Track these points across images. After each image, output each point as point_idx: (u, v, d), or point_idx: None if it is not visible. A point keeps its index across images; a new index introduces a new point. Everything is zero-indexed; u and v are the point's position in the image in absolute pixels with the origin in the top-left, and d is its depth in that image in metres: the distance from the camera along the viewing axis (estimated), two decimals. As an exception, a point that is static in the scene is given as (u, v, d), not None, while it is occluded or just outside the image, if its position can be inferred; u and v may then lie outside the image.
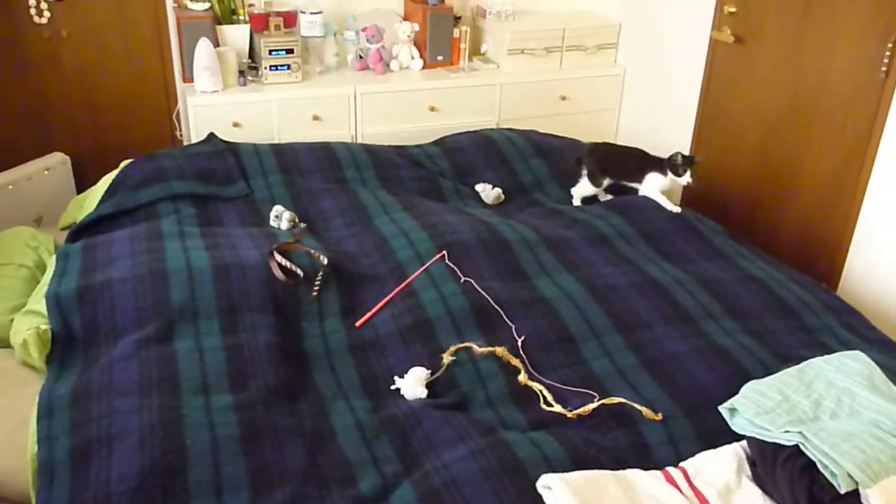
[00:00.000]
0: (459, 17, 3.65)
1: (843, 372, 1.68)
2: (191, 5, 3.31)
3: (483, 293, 2.08)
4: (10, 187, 3.18)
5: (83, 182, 3.35)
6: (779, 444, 1.54)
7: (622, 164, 2.74)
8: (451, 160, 2.97)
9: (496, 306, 2.05)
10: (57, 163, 3.37)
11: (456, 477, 1.52)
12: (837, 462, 1.43)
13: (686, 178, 2.61)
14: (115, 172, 2.69)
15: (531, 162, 2.96)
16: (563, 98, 3.66)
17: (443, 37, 3.57)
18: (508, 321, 2.01)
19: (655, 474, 1.55)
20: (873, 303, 2.59)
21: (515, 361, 1.89)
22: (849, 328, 2.07)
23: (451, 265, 2.19)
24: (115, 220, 2.49)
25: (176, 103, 3.56)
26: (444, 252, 2.23)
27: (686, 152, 3.08)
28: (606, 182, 2.74)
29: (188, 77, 3.29)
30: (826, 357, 1.76)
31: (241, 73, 3.30)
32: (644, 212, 2.57)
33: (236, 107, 3.22)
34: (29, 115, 3.39)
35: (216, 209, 2.55)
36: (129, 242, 2.22)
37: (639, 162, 2.71)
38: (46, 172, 3.31)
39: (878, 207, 2.55)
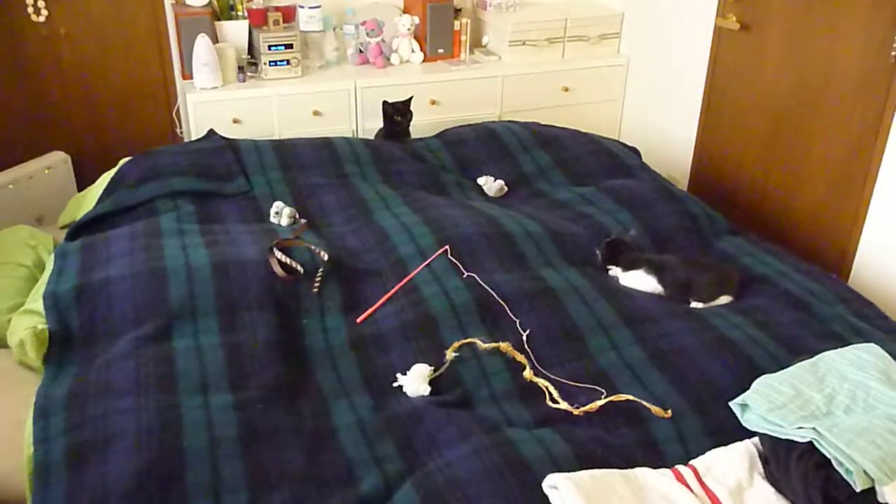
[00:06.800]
0: (460, 10, 3.61)
1: (856, 365, 1.64)
2: (189, 1, 3.28)
3: (487, 288, 2.04)
4: (11, 186, 3.15)
5: (84, 181, 3.33)
6: (792, 441, 1.50)
7: None
8: (452, 153, 2.93)
9: (500, 301, 2.01)
10: (57, 161, 3.34)
11: (459, 476, 1.48)
12: (853, 459, 1.39)
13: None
14: (114, 170, 2.66)
15: (534, 153, 2.91)
16: (566, 89, 3.62)
17: (443, 29, 3.53)
18: (513, 316, 1.97)
19: (665, 473, 1.51)
20: (886, 292, 2.54)
21: (520, 357, 1.85)
22: (861, 317, 2.03)
23: (454, 260, 2.15)
24: (115, 218, 2.46)
25: (176, 100, 3.53)
26: (447, 247, 2.19)
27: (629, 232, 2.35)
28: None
29: (187, 74, 3.26)
30: (839, 350, 1.71)
31: (241, 69, 3.27)
32: (653, 207, 2.52)
33: (236, 103, 3.19)
34: (29, 114, 3.36)
35: (216, 206, 2.52)
36: (128, 240, 2.19)
37: None
38: (47, 171, 3.28)
39: (888, 195, 2.50)
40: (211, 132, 2.94)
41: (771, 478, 1.52)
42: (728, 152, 3.16)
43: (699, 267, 2.19)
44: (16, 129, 3.36)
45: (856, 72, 2.56)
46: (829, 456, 1.43)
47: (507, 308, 1.99)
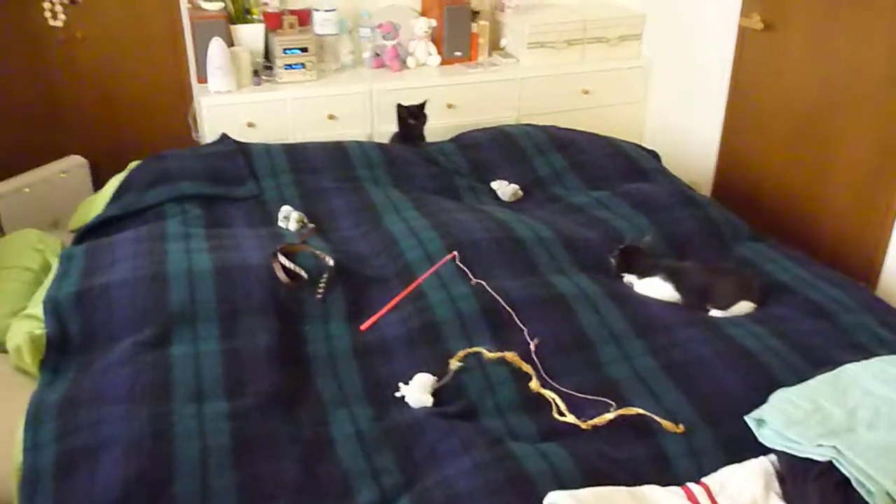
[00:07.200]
0: (478, 12, 3.55)
1: (881, 378, 1.55)
2: (204, 5, 3.27)
3: (495, 295, 1.98)
4: (27, 190, 3.17)
5: (100, 185, 3.31)
6: (810, 459, 1.41)
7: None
8: (467, 157, 2.87)
9: (508, 308, 1.95)
10: (74, 165, 3.35)
11: (459, 492, 1.42)
12: (874, 479, 1.30)
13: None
14: (123, 174, 2.65)
15: (550, 156, 2.85)
16: (586, 92, 3.54)
17: (461, 32, 3.47)
18: (521, 324, 1.91)
19: (675, 490, 1.44)
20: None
21: (527, 367, 1.78)
22: (888, 328, 1.92)
23: (462, 266, 2.09)
24: (124, 222, 2.44)
25: (192, 104, 3.52)
26: (455, 253, 2.13)
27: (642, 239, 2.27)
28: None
29: (202, 77, 3.25)
30: (863, 362, 1.63)
31: (256, 72, 3.25)
32: (671, 211, 2.44)
33: (251, 107, 3.17)
34: (45, 118, 3.37)
35: (224, 210, 2.49)
36: (133, 244, 2.17)
37: None
38: (63, 175, 3.29)
39: (920, 201, 2.40)
40: (223, 136, 2.92)
41: (787, 497, 1.43)
42: (752, 155, 3.07)
43: (718, 273, 2.11)
44: (32, 133, 3.37)
45: (884, 72, 2.46)
46: (848, 475, 1.35)
47: (514, 316, 1.93)
